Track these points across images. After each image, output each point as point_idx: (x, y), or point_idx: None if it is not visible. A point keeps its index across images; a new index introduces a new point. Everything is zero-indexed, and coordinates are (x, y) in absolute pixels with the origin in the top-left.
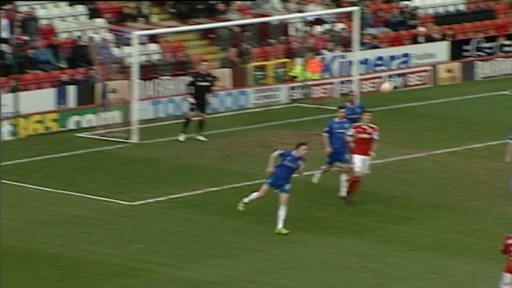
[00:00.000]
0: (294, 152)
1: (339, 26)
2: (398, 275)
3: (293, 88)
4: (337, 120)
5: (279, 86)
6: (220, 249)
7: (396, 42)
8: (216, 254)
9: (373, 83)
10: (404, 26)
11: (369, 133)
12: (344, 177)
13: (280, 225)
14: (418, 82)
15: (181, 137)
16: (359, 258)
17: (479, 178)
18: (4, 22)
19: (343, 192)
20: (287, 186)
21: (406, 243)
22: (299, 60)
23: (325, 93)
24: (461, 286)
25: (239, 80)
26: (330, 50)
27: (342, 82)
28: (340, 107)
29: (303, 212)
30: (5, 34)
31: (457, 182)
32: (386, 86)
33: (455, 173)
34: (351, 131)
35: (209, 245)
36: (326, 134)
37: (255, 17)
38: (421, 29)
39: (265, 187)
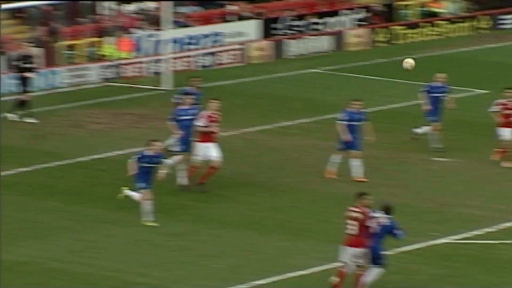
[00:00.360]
0: (146, 152)
1: (151, 4)
2: (211, 253)
3: (104, 67)
4: (182, 107)
5: (90, 65)
6: (32, 229)
7: (207, 20)
8: (28, 235)
9: (185, 62)
10: (214, 4)
11: (217, 121)
12: (182, 166)
13: (144, 217)
14: (229, 61)
15: (30, 119)
16: (172, 236)
17: (290, 156)
18: None
19: (183, 180)
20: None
21: (219, 221)
22: (110, 39)
23: (136, 72)
24: (273, 263)
25: (50, 60)
26: (142, 29)
27: (154, 61)
28: (186, 94)
29: (117, 192)
30: None
31: (268, 160)
32: (409, 62)
33: (266, 151)
34: (202, 121)
35: (20, 225)
36: (172, 122)
37: None
38: (232, 7)
39: (144, 192)
